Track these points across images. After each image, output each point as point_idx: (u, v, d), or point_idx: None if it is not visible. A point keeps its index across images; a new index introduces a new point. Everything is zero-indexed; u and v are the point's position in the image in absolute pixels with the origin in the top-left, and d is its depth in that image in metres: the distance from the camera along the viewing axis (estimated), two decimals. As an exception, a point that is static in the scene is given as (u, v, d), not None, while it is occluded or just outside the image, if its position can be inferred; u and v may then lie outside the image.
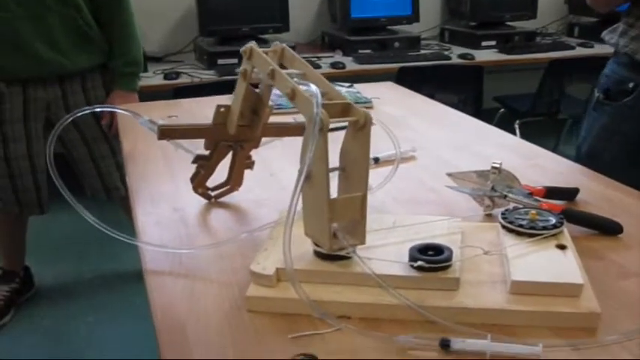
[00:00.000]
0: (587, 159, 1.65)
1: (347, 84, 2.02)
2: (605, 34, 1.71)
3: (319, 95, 0.77)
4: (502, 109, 4.01)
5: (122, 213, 2.54)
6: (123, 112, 1.14)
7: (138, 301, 2.55)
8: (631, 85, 1.62)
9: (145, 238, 1.07)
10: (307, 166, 0.74)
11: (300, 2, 4.02)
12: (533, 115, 3.86)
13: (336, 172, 0.87)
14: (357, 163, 0.83)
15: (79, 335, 2.51)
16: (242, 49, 0.94)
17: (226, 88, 2.71)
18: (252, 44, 0.92)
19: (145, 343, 2.28)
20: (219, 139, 1.08)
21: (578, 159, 1.65)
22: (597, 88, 1.72)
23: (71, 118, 1.03)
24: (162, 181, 1.33)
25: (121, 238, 1.01)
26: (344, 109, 0.81)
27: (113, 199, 2.52)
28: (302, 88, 0.81)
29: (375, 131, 1.23)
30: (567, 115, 4.03)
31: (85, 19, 2.19)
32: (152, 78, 3.31)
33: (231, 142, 1.09)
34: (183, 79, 3.28)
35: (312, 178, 0.80)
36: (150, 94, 2.75)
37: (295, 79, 0.84)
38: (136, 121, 1.08)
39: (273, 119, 1.09)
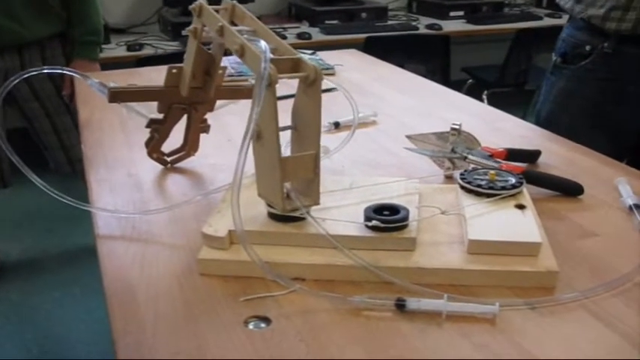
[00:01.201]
0: (547, 123, 1.65)
1: (310, 51, 1.99)
2: (560, 0, 1.71)
3: (268, 50, 0.74)
4: (470, 80, 4.00)
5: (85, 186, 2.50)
6: (73, 74, 1.10)
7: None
8: (588, 48, 1.63)
9: (98, 204, 1.04)
10: (254, 122, 0.71)
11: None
12: (501, 86, 3.85)
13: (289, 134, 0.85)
14: (309, 121, 0.80)
15: (45, 310, 2.48)
16: (191, 7, 0.91)
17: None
18: (202, 1, 0.89)
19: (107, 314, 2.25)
20: (172, 102, 1.05)
21: (537, 124, 1.64)
22: (554, 53, 1.72)
23: (22, 78, 0.98)
24: (117, 147, 1.30)
25: (71, 204, 0.98)
26: (294, 65, 0.78)
27: (77, 171, 2.47)
28: (252, 45, 0.78)
29: (337, 97, 1.21)
30: (535, 86, 4.03)
31: None
32: (115, 49, 3.25)
33: (185, 105, 1.06)
34: (147, 51, 3.22)
35: (262, 137, 0.78)
36: (113, 66, 2.69)
37: (245, 36, 0.81)
38: (91, 88, 1.04)
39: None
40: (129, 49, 3.25)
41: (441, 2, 4.11)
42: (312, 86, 0.78)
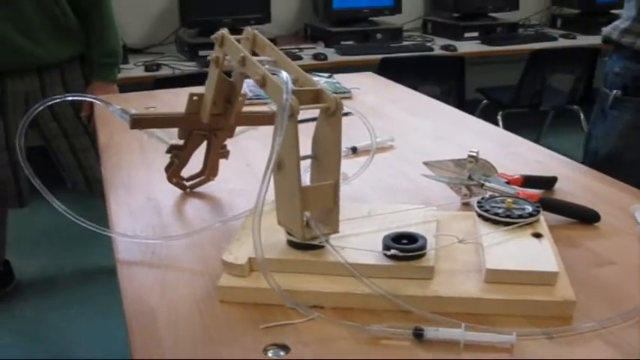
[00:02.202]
0: (607, 160, 1.63)
1: (326, 74, 2.01)
2: (613, 33, 1.68)
3: (289, 81, 0.76)
4: (485, 101, 4.01)
5: (104, 205, 2.52)
6: (95, 101, 1.12)
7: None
8: None
9: (118, 228, 1.06)
10: (277, 153, 0.73)
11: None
12: (516, 107, 3.86)
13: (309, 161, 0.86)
14: (329, 151, 0.82)
15: (60, 328, 2.49)
16: (213, 36, 0.92)
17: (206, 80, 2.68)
18: (224, 31, 0.91)
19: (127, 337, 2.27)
20: (193, 128, 1.07)
21: (592, 162, 1.61)
22: (609, 88, 1.69)
23: (44, 105, 1.00)
24: (136, 171, 1.32)
25: (92, 229, 1.00)
26: (315, 96, 0.80)
27: (94, 191, 2.50)
28: (273, 75, 0.80)
29: (354, 121, 1.23)
30: (549, 107, 4.04)
31: (62, 9, 2.17)
32: (133, 70, 3.29)
33: (205, 131, 1.08)
34: (164, 71, 3.26)
35: (283, 166, 0.79)
36: (130, 86, 2.73)
37: (266, 66, 0.82)
38: (113, 114, 1.06)
39: (253, 110, 1.08)
40: (146, 69, 3.28)
41: (455, 23, 4.13)
42: (332, 117, 0.79)
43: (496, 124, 3.80)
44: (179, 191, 1.19)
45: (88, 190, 2.49)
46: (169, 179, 1.16)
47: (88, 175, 2.46)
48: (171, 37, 3.83)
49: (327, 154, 0.82)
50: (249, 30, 0.92)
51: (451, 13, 4.26)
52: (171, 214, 1.11)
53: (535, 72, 3.74)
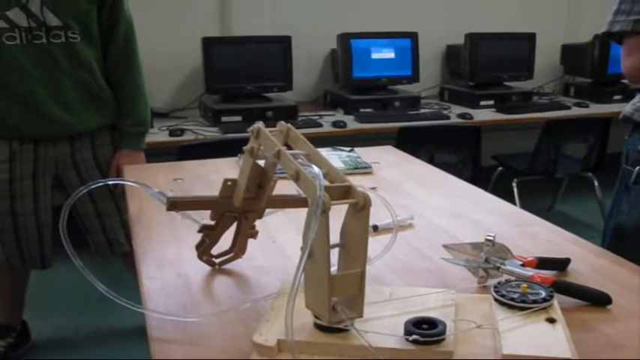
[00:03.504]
0: (635, 235, 1.67)
1: (347, 148, 2.08)
2: (635, 114, 1.74)
3: (322, 178, 0.82)
4: (500, 168, 4.07)
5: (124, 267, 2.58)
6: (134, 184, 1.19)
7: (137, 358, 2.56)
8: None
9: (150, 304, 1.11)
10: (310, 246, 0.79)
11: (304, 62, 4.13)
12: (531, 174, 3.92)
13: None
14: (357, 241, 0.88)
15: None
16: (250, 129, 0.99)
17: (230, 147, 2.77)
18: (260, 124, 0.98)
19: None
20: (225, 211, 1.13)
21: (619, 239, 1.65)
22: (631, 165, 1.74)
23: (85, 190, 1.08)
24: (167, 245, 1.38)
25: (128, 306, 1.05)
26: (345, 192, 0.86)
27: (115, 253, 2.56)
28: (305, 169, 0.87)
29: (375, 198, 1.29)
30: (563, 174, 4.10)
31: (97, 81, 2.26)
32: (158, 134, 3.38)
33: (237, 214, 1.14)
34: (188, 136, 3.35)
35: (313, 255, 0.85)
36: (155, 151, 2.82)
37: (299, 160, 0.89)
38: (151, 197, 1.13)
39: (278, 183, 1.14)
40: (171, 134, 3.38)
41: (471, 92, 4.23)
42: (361, 211, 0.85)
43: (511, 191, 3.86)
44: (208, 268, 1.25)
45: (110, 253, 2.55)
46: (200, 257, 1.22)
47: (110, 238, 2.52)
48: (195, 101, 3.95)
49: (355, 245, 0.88)
50: (283, 124, 0.99)
51: (467, 81, 4.36)
52: (202, 291, 1.17)
53: (549, 140, 3.81)
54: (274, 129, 1.01)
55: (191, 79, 4.01)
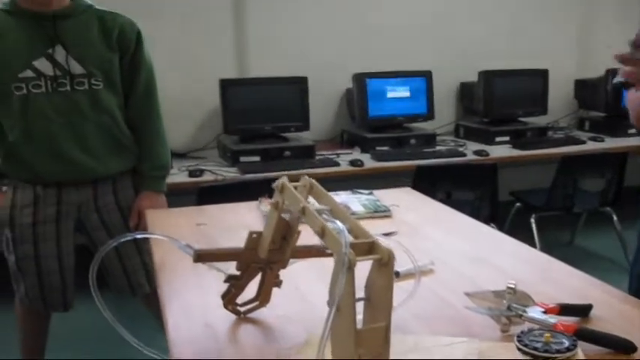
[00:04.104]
0: None
1: (367, 191, 2.10)
2: None
3: (347, 235, 0.85)
4: (518, 204, 4.07)
5: (144, 304, 2.60)
6: (161, 237, 1.21)
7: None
8: None
9: (176, 353, 1.13)
10: (337, 302, 0.81)
11: (321, 102, 4.17)
12: (549, 210, 3.92)
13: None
14: (381, 295, 0.90)
15: None
16: (275, 184, 1.02)
17: (249, 188, 2.79)
18: (284, 180, 1.01)
19: None
20: (251, 262, 1.15)
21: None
22: None
23: (113, 245, 1.10)
24: (192, 293, 1.40)
25: (155, 357, 1.07)
26: (369, 248, 0.88)
27: (136, 295, 2.57)
28: (330, 225, 0.89)
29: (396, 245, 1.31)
30: (582, 209, 4.09)
31: (119, 127, 2.31)
32: (177, 175, 3.42)
33: (262, 264, 1.17)
34: (207, 177, 3.38)
35: (340, 309, 0.87)
36: (176, 191, 2.85)
37: (324, 216, 0.91)
38: (178, 249, 1.15)
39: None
40: (190, 174, 3.42)
41: (487, 128, 4.25)
42: (385, 267, 0.87)
43: (529, 227, 3.86)
44: (233, 316, 1.27)
45: (132, 295, 2.57)
46: (225, 306, 1.24)
47: (132, 280, 2.54)
48: (213, 141, 3.99)
49: (379, 299, 0.90)
50: (306, 178, 1.02)
51: (482, 118, 4.39)
52: (228, 339, 1.19)
53: (566, 175, 3.81)
54: (298, 183, 1.03)
55: (209, 119, 4.06)
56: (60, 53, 2.14)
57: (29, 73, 2.14)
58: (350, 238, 0.85)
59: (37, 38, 2.13)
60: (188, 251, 1.12)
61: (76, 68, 2.17)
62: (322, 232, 0.89)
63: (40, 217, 2.31)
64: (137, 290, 2.55)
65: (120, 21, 2.26)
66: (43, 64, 2.14)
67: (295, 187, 1.03)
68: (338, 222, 0.88)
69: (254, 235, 1.11)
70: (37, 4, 2.14)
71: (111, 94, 2.28)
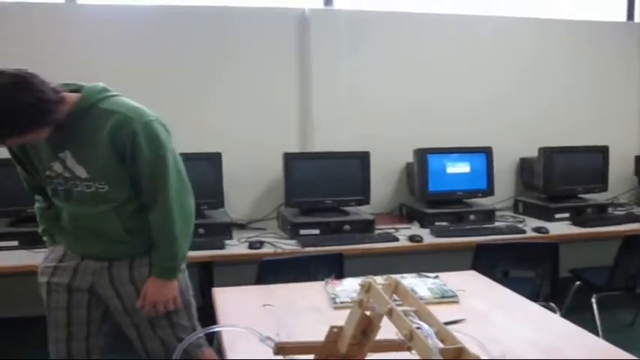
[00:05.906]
0: None
1: (433, 275, 2.12)
2: None
3: (436, 340, 0.87)
4: (578, 282, 4.00)
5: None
6: (241, 329, 1.25)
7: None
8: None
9: None
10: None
11: (381, 176, 4.22)
12: (610, 290, 3.84)
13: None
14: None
15: None
16: (360, 283, 1.05)
17: (309, 265, 2.80)
18: (371, 280, 1.04)
19: None
20: (330, 356, 1.18)
21: None
22: None
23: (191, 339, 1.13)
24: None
25: None
26: (457, 353, 0.91)
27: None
28: (416, 328, 0.92)
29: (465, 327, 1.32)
30: (644, 290, 4.00)
31: (132, 218, 2.34)
32: (237, 246, 3.47)
33: (340, 359, 1.19)
34: (267, 249, 3.43)
35: (427, 413, 0.89)
36: (237, 263, 2.89)
37: (410, 318, 0.94)
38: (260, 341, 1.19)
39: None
40: (250, 246, 3.46)
41: (546, 205, 4.22)
42: (472, 372, 0.89)
43: (589, 305, 3.78)
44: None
45: None
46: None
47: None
48: (273, 212, 4.06)
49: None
50: (391, 277, 1.05)
51: (541, 194, 4.36)
52: None
53: (629, 255, 3.74)
54: (383, 282, 1.06)
55: (270, 191, 4.14)
56: (68, 158, 2.25)
57: (51, 173, 2.29)
58: (439, 344, 0.88)
59: (55, 140, 2.22)
60: (269, 344, 1.16)
61: (81, 172, 2.25)
62: (410, 336, 0.91)
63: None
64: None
65: (113, 121, 2.21)
66: (58, 167, 2.27)
67: (380, 285, 1.06)
68: (425, 326, 0.91)
69: (335, 330, 1.14)
70: None
71: (119, 191, 2.29)
